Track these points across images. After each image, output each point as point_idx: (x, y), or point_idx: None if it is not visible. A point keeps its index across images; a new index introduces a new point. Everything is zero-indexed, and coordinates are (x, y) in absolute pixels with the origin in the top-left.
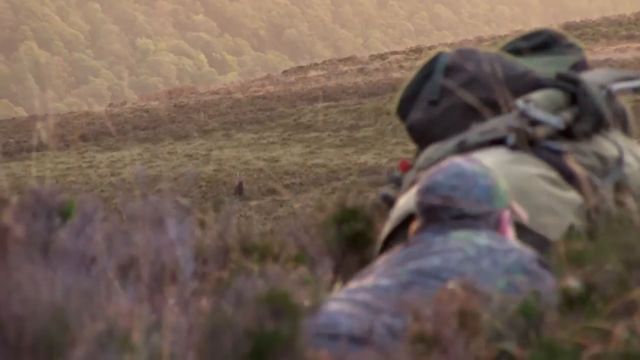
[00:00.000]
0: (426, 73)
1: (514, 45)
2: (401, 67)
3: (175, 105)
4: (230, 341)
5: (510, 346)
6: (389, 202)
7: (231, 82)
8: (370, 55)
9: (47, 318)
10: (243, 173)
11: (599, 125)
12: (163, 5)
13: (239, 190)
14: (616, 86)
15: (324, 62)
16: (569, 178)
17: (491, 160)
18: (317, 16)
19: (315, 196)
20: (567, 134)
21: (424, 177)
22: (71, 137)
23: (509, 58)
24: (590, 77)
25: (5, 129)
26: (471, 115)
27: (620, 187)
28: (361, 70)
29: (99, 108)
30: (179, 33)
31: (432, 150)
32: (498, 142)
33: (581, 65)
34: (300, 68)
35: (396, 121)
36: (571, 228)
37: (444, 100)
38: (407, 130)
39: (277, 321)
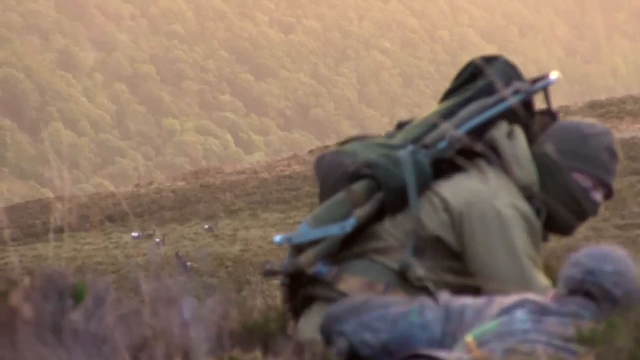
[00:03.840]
0: None
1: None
2: None
3: (201, 186)
4: None
5: None
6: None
7: (257, 161)
8: None
9: None
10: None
11: (403, 199)
12: (189, 86)
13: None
14: (459, 131)
15: None
16: None
17: None
18: (343, 95)
19: None
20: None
21: (589, 256)
22: (98, 217)
23: (347, 152)
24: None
25: (31, 210)
26: None
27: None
28: None
29: (125, 189)
30: (205, 113)
31: None
32: None
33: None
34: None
35: None
36: None
37: None
38: None
39: None
